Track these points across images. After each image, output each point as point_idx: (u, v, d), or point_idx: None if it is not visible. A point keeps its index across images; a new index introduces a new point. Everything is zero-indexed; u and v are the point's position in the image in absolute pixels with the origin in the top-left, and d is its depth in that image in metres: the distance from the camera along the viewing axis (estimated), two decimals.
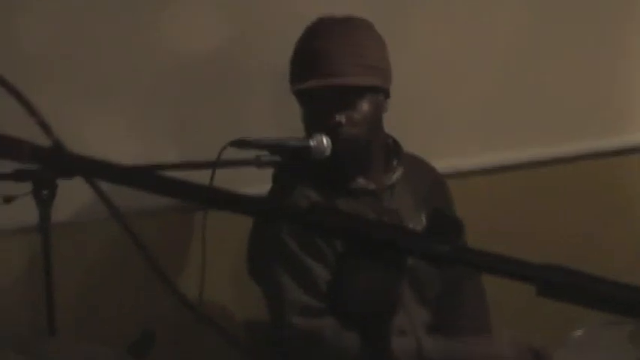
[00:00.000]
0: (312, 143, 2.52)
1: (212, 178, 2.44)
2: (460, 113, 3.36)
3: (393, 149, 2.75)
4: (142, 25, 2.96)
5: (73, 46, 2.89)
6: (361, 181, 2.67)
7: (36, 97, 2.53)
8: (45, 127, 2.41)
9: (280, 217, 1.34)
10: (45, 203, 2.45)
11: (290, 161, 2.54)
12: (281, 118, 2.95)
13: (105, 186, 2.72)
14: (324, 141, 2.53)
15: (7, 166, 2.34)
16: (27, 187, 2.43)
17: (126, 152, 2.70)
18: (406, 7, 3.24)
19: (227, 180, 2.22)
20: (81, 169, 1.30)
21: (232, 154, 2.51)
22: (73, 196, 2.66)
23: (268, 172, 2.65)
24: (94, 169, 1.28)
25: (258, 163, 2.51)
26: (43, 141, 1.50)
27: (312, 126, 2.60)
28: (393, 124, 2.74)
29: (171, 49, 2.98)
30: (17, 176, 2.40)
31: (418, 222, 2.64)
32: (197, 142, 2.81)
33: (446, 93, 3.33)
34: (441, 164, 2.98)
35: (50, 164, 1.43)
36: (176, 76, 3.00)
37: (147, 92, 2.99)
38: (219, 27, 3.03)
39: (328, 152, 2.53)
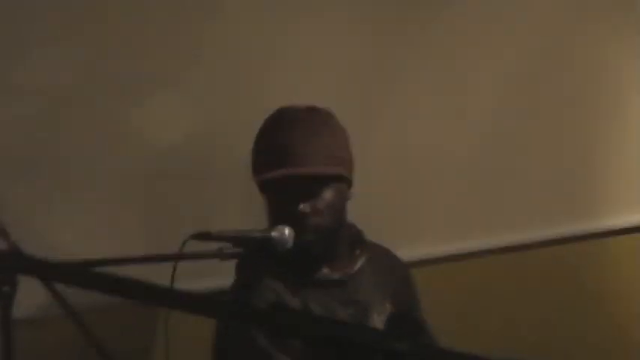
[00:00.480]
0: (274, 234, 2.51)
1: (174, 271, 2.42)
2: (429, 202, 3.38)
3: (356, 238, 2.75)
4: (109, 117, 2.97)
5: (45, 139, 2.90)
6: (325, 271, 2.66)
7: (2, 187, 2.55)
8: (2, 232, 2.40)
9: (242, 318, 1.32)
10: (6, 301, 2.42)
11: (253, 253, 2.53)
12: (245, 210, 2.95)
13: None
14: (287, 232, 2.51)
15: None
16: None
17: (92, 246, 2.69)
18: (377, 95, 3.29)
19: (190, 271, 2.22)
20: (37, 271, 1.28)
21: (196, 246, 2.50)
22: (34, 292, 2.63)
23: (231, 264, 2.63)
24: (49, 271, 1.26)
25: (220, 255, 2.48)
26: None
27: (277, 216, 2.60)
28: (360, 212, 2.74)
29: (138, 142, 3.01)
30: None
31: (383, 310, 2.62)
32: (162, 236, 2.79)
33: (414, 181, 3.36)
34: (408, 252, 3.00)
35: (7, 267, 1.42)
36: (143, 169, 3.02)
37: (113, 185, 2.99)
38: (186, 118, 3.05)
39: (291, 243, 2.52)
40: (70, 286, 1.28)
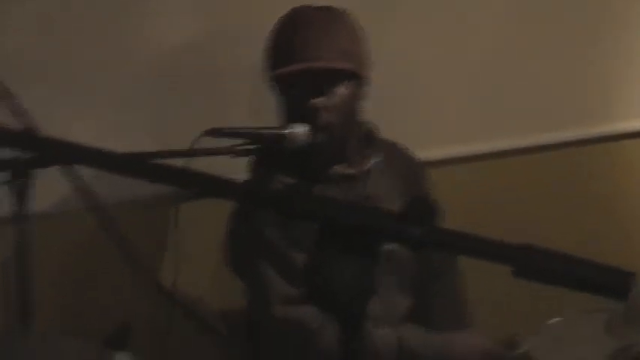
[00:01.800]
0: (286, 132, 2.52)
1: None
2: (443, 104, 3.38)
3: (370, 135, 2.75)
4: (121, 22, 2.96)
5: (52, 45, 2.89)
6: (338, 167, 2.67)
7: (19, 93, 2.54)
8: (19, 111, 2.39)
9: (257, 200, 1.32)
10: (21, 193, 2.43)
11: (266, 150, 2.54)
12: (255, 111, 2.95)
13: (81, 178, 2.73)
14: (300, 129, 2.52)
15: None
16: (3, 176, 2.42)
17: (105, 145, 2.70)
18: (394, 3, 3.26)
19: (202, 169, 2.22)
20: (53, 151, 1.27)
21: (208, 143, 2.51)
22: (50, 187, 2.65)
23: (244, 162, 2.64)
24: (67, 151, 1.25)
25: (233, 152, 2.50)
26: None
27: (289, 113, 2.61)
28: (377, 112, 2.75)
29: (148, 43, 3.00)
30: None
31: (397, 207, 2.63)
32: (174, 134, 2.78)
33: (425, 84, 3.34)
34: (424, 152, 3.00)
35: (23, 147, 1.41)
36: (153, 70, 3.02)
37: (125, 86, 2.99)
38: (194, 21, 3.04)
39: (305, 140, 2.53)
40: (87, 166, 1.27)
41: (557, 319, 2.79)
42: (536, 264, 1.16)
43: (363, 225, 1.20)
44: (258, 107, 2.88)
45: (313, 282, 1.09)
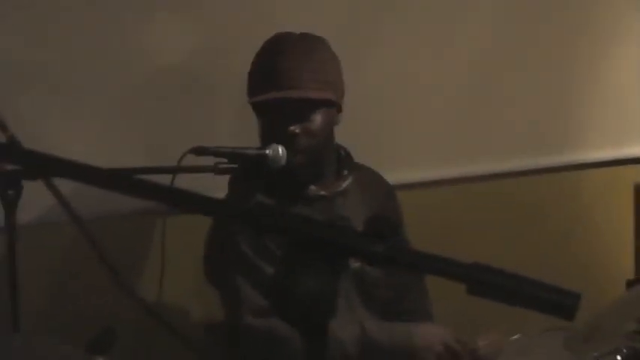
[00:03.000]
0: (268, 152, 2.54)
1: (172, 183, 2.45)
2: (416, 130, 3.39)
3: (344, 159, 2.77)
4: (115, 36, 2.95)
5: (44, 57, 2.87)
6: (313, 188, 2.68)
7: (10, 102, 2.55)
8: (2, 125, 2.40)
9: (230, 215, 1.34)
10: (10, 203, 2.43)
11: (246, 169, 2.56)
12: (241, 129, 2.96)
13: (66, 190, 2.73)
14: (280, 150, 2.55)
15: None
16: None
17: (93, 158, 2.69)
18: (370, 25, 3.28)
19: (186, 186, 2.22)
20: (39, 164, 1.28)
21: (192, 161, 2.53)
22: (38, 198, 2.65)
23: (225, 180, 2.65)
24: (52, 165, 1.27)
25: (216, 170, 2.53)
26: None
27: (269, 136, 2.61)
28: (350, 136, 2.76)
29: (138, 60, 2.99)
30: None
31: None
32: (161, 149, 2.80)
33: (402, 110, 3.37)
34: (395, 176, 3.00)
35: (5, 158, 1.42)
36: (143, 86, 3.01)
37: (115, 101, 2.98)
38: (185, 40, 3.04)
39: (283, 161, 2.55)
40: (71, 180, 1.28)
41: (518, 335, 2.82)
42: (487, 282, 1.17)
43: (328, 240, 1.21)
44: (244, 125, 2.89)
45: (278, 294, 1.09)
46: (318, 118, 2.62)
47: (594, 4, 3.66)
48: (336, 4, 3.20)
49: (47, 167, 1.33)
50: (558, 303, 1.17)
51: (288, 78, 2.58)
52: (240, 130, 2.96)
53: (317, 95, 2.60)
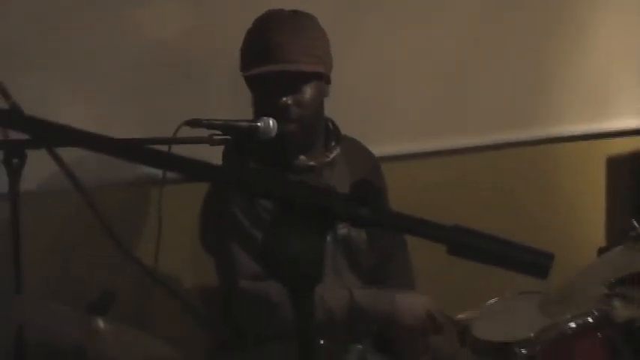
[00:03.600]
0: (259, 124, 2.54)
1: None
2: (403, 104, 3.39)
3: (332, 131, 2.77)
4: (112, 16, 2.94)
5: (45, 36, 2.87)
6: (302, 159, 2.68)
7: (11, 79, 2.54)
8: (4, 92, 2.39)
9: (224, 179, 1.35)
10: (15, 171, 2.43)
11: (239, 140, 2.56)
12: (233, 102, 2.96)
13: (68, 159, 2.73)
14: (271, 123, 2.55)
15: None
16: None
17: (92, 131, 2.69)
18: (360, 6, 3.27)
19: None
20: (37, 130, 1.27)
21: (187, 133, 2.52)
22: (41, 167, 2.65)
23: (219, 151, 2.65)
24: (57, 132, 1.26)
25: (210, 141, 2.53)
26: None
27: (262, 108, 2.62)
28: (339, 109, 2.76)
29: (136, 37, 2.99)
30: None
31: None
32: (157, 123, 2.80)
33: (390, 84, 3.36)
34: (380, 148, 3.01)
35: (7, 125, 1.41)
36: (140, 62, 3.00)
37: (114, 77, 2.97)
38: (180, 17, 3.04)
39: (274, 133, 2.55)
40: (75, 147, 1.27)
41: (495, 299, 2.83)
42: (466, 243, 1.18)
43: (315, 203, 1.21)
44: (236, 99, 2.89)
45: (268, 255, 1.09)
46: (308, 90, 2.62)
47: None
48: None
49: (50, 134, 1.32)
50: (533, 262, 1.18)
51: (280, 52, 2.58)
52: (232, 103, 2.96)
53: (308, 68, 2.60)
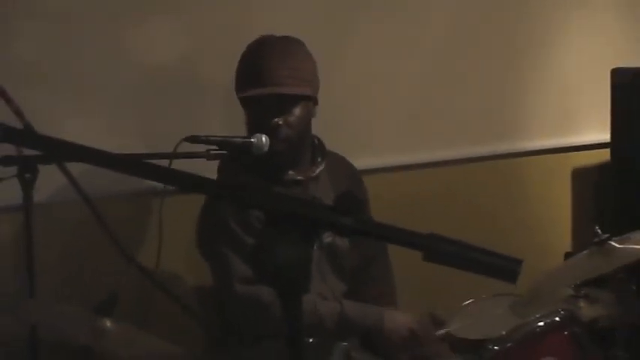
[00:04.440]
0: (253, 140, 2.54)
1: (169, 167, 2.45)
2: (382, 121, 3.39)
3: (317, 147, 2.77)
4: (116, 37, 2.94)
5: (54, 56, 2.87)
6: (291, 173, 2.68)
7: (25, 95, 2.54)
8: (19, 113, 2.39)
9: (219, 192, 1.36)
10: (28, 185, 2.43)
11: (234, 155, 2.56)
12: (228, 120, 2.96)
13: (76, 173, 2.73)
14: (263, 139, 2.55)
15: None
16: (12, 171, 2.42)
17: (97, 145, 2.69)
18: (343, 27, 3.28)
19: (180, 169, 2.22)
20: (53, 148, 1.28)
21: (186, 148, 2.53)
22: (52, 180, 2.65)
23: (215, 165, 2.65)
24: (66, 149, 1.27)
25: (207, 156, 2.52)
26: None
27: (255, 127, 2.61)
28: (324, 126, 2.77)
29: (139, 60, 2.98)
30: (4, 161, 2.38)
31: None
32: (158, 139, 2.79)
33: (370, 103, 3.36)
34: (361, 162, 3.01)
35: (21, 143, 1.42)
36: (142, 83, 3.00)
37: (117, 96, 2.97)
38: (178, 42, 3.03)
39: (266, 148, 2.55)
40: (82, 162, 1.28)
41: (471, 300, 2.84)
42: (441, 250, 1.19)
43: (303, 214, 1.22)
44: (230, 117, 2.89)
45: (257, 263, 1.10)
46: (297, 111, 2.62)
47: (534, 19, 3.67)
48: (311, 9, 3.20)
49: (60, 151, 1.33)
50: (503, 267, 1.19)
51: (270, 76, 2.58)
52: (227, 121, 2.97)
53: (296, 91, 2.60)
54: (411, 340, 2.64)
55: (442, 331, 2.65)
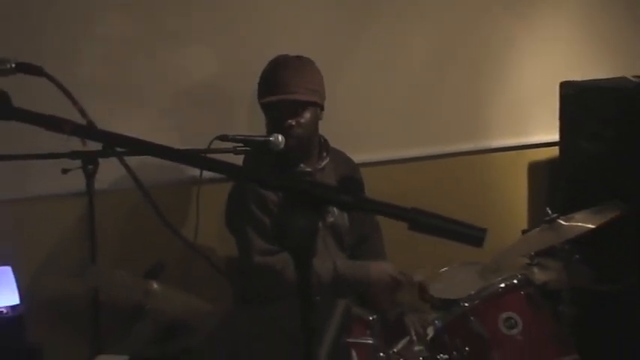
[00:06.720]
0: (271, 139, 2.55)
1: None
2: (377, 123, 3.38)
3: (323, 144, 2.77)
4: (162, 59, 2.96)
5: (113, 70, 2.89)
6: (302, 166, 2.69)
7: (88, 102, 2.55)
8: (83, 112, 2.40)
9: (246, 176, 1.36)
10: (90, 175, 2.45)
11: (256, 151, 2.57)
12: (251, 123, 2.97)
13: (132, 164, 2.73)
14: (280, 138, 2.56)
15: (64, 147, 2.35)
16: (78, 163, 2.43)
17: None
18: (345, 48, 3.28)
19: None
20: (108, 139, 1.29)
21: (218, 145, 2.54)
22: (111, 171, 2.66)
23: (240, 159, 2.66)
24: (119, 140, 1.28)
25: (234, 151, 2.54)
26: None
27: (272, 128, 2.62)
28: (328, 127, 2.76)
29: (180, 76, 3.00)
30: (71, 155, 2.40)
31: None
32: (195, 139, 2.80)
33: (366, 110, 3.36)
34: (359, 156, 3.00)
35: (85, 137, 1.44)
36: (182, 94, 3.01)
37: (162, 104, 2.98)
38: (210, 62, 3.04)
39: (282, 146, 2.56)
40: (137, 154, 1.29)
41: (446, 267, 2.85)
42: (423, 221, 1.19)
43: (313, 192, 1.23)
44: (253, 120, 2.90)
45: (279, 230, 1.10)
46: (307, 115, 2.62)
47: (501, 36, 3.66)
48: (317, 34, 3.20)
49: (118, 144, 1.34)
50: (472, 235, 1.18)
51: (285, 86, 2.59)
52: (251, 123, 2.97)
53: (306, 98, 2.61)
54: (393, 285, 2.64)
55: (417, 279, 2.66)
